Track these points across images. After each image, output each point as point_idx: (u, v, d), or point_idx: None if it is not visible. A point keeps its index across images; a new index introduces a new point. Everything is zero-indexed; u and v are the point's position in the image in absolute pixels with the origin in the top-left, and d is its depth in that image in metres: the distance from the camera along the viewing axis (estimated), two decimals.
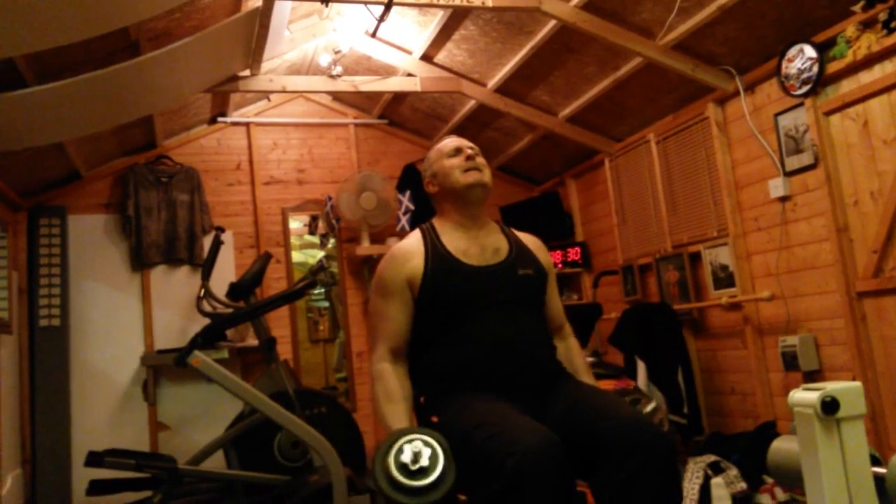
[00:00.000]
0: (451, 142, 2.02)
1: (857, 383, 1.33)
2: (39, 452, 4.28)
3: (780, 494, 3.13)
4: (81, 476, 3.89)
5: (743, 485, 3.07)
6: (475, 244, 1.92)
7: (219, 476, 3.84)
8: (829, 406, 1.28)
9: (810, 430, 1.30)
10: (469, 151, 1.97)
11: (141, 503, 3.55)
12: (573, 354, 2.05)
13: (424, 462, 1.57)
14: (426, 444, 1.58)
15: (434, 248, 1.90)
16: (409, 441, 1.58)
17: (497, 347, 1.80)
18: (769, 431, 3.41)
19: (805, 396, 1.32)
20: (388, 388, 1.80)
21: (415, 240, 1.95)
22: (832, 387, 1.30)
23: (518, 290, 1.88)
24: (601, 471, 1.59)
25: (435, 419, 1.79)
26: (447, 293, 1.83)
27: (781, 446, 1.49)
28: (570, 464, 1.55)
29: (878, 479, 1.30)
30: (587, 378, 1.98)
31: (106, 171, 4.89)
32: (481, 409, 1.68)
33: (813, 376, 3.34)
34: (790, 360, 3.40)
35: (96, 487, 3.57)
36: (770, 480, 3.17)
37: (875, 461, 1.34)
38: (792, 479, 1.43)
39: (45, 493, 4.23)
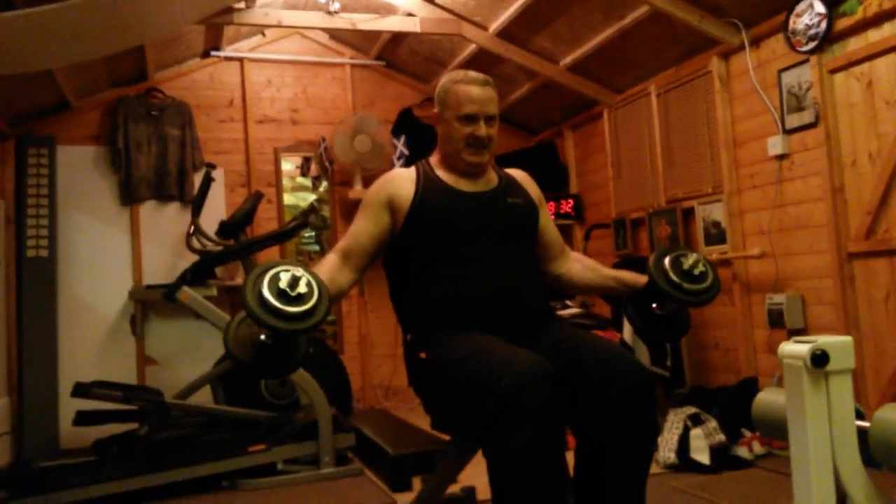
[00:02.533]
0: (472, 98, 1.87)
1: (848, 338, 1.34)
2: (26, 382, 4.29)
3: (758, 447, 3.19)
4: (68, 406, 3.91)
5: (721, 437, 3.13)
6: (467, 176, 1.95)
7: (205, 411, 3.88)
8: (819, 359, 1.30)
9: (798, 381, 1.32)
10: (483, 132, 1.87)
11: (127, 435, 3.59)
12: (592, 265, 2.09)
13: (302, 289, 1.52)
14: (303, 272, 1.53)
15: (426, 175, 1.94)
16: (286, 269, 1.53)
17: (486, 285, 1.81)
18: (751, 387, 3.46)
19: (795, 349, 1.34)
20: (318, 269, 1.77)
21: (408, 169, 1.99)
22: (823, 340, 1.32)
23: (506, 217, 1.92)
24: (583, 403, 1.63)
25: (423, 355, 1.80)
26: (437, 213, 1.86)
27: (767, 398, 1.51)
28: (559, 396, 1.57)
29: (861, 433, 1.33)
30: (616, 272, 2.03)
31: (96, 102, 4.79)
32: (472, 340, 1.69)
33: (797, 334, 3.36)
34: (776, 318, 3.43)
35: (83, 418, 3.60)
36: (749, 434, 3.23)
37: (859, 415, 1.36)
38: (776, 430, 1.45)
39: (31, 421, 4.26)
